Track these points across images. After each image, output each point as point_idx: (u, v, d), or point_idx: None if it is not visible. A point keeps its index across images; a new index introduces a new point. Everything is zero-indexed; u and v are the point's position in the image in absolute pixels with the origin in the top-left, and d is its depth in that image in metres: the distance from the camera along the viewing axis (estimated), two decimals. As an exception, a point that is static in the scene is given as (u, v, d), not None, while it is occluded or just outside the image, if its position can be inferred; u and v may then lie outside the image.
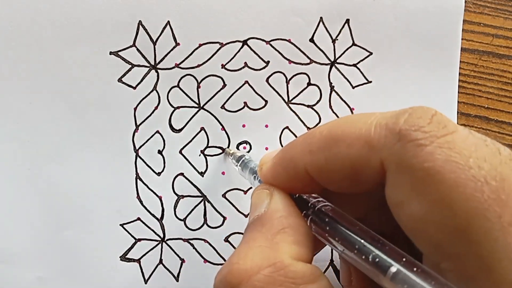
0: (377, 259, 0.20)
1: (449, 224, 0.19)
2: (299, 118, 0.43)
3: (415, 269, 0.19)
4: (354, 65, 0.42)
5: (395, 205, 0.21)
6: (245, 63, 0.42)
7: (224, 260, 0.42)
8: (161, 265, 0.42)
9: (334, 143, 0.22)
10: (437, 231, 0.19)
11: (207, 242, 0.42)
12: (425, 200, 0.19)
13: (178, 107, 0.42)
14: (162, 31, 0.41)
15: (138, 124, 0.42)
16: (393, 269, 0.19)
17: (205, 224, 0.42)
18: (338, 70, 0.42)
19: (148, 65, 0.42)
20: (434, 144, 0.19)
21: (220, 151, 0.42)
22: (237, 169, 0.38)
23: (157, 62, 0.42)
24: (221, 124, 0.42)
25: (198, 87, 0.42)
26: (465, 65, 0.43)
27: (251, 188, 0.42)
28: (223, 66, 0.42)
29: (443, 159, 0.19)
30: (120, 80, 0.41)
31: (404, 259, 0.19)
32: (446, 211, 0.19)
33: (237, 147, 0.42)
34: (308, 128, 0.43)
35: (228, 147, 0.42)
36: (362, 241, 0.21)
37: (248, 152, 0.42)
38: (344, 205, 0.25)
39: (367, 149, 0.21)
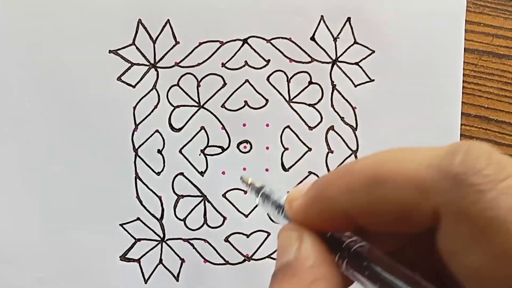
0: None
1: None
2: (300, 117, 0.42)
3: None
4: (356, 63, 0.42)
5: (449, 254, 0.20)
6: (246, 61, 0.42)
7: (224, 260, 0.42)
8: (161, 265, 0.42)
9: (379, 184, 0.21)
10: (500, 284, 0.18)
11: (207, 242, 0.42)
12: (487, 252, 0.18)
13: (178, 106, 0.42)
14: (162, 30, 0.41)
15: (137, 123, 0.41)
16: None
17: (205, 224, 0.42)
18: (340, 68, 0.42)
19: (147, 63, 0.41)
20: (496, 190, 0.18)
21: (220, 150, 0.42)
22: (256, 200, 0.37)
23: (156, 61, 0.41)
24: (221, 123, 0.42)
25: (198, 86, 0.42)
26: (465, 65, 0.43)
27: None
28: (223, 65, 0.42)
29: (507, 207, 0.17)
30: (119, 78, 0.41)
31: None
32: (510, 265, 0.17)
33: (238, 147, 0.42)
34: (309, 127, 0.43)
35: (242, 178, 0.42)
36: (405, 284, 0.20)
37: (249, 151, 0.42)
38: (377, 240, 0.24)
39: (418, 193, 0.19)
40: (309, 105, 0.43)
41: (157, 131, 0.42)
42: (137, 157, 0.42)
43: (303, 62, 0.42)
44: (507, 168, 0.18)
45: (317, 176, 0.43)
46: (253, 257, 0.42)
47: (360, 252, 0.23)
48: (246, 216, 0.42)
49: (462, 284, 0.20)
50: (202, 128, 0.42)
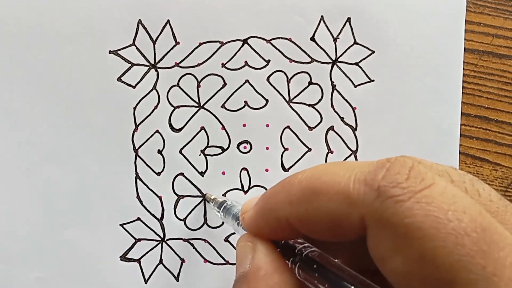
0: None
1: (434, 278, 0.19)
2: (300, 117, 0.42)
3: None
4: (356, 63, 0.42)
5: (378, 260, 0.21)
6: (246, 62, 0.42)
7: (224, 260, 0.42)
8: (161, 265, 0.42)
9: (314, 196, 0.22)
10: (422, 285, 0.19)
11: (207, 242, 0.42)
12: (407, 256, 0.19)
13: (178, 107, 0.42)
14: (162, 30, 0.41)
15: (137, 123, 0.41)
16: None
17: (205, 224, 0.42)
18: (340, 69, 0.42)
19: (147, 64, 0.41)
20: (412, 199, 0.19)
21: (220, 150, 0.42)
22: (219, 215, 0.38)
23: (157, 61, 0.41)
24: (222, 124, 0.42)
25: (198, 86, 0.42)
26: (465, 65, 0.43)
27: (251, 188, 0.42)
28: (223, 65, 0.42)
29: (422, 214, 0.19)
30: (119, 79, 0.41)
31: None
32: (429, 266, 0.19)
33: (238, 147, 0.42)
34: (309, 128, 0.43)
35: (206, 194, 0.43)
36: (352, 287, 0.21)
37: (249, 152, 0.42)
38: (327, 248, 0.25)
39: (346, 204, 0.21)
40: (309, 105, 0.43)
41: (157, 131, 0.42)
42: (137, 158, 0.42)
43: (303, 63, 0.42)
44: (425, 181, 0.20)
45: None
46: (253, 257, 0.42)
47: (311, 256, 0.24)
48: (246, 216, 0.42)
49: None
50: (202, 128, 0.42)
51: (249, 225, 0.27)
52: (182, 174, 0.42)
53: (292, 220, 0.24)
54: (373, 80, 0.42)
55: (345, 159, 0.43)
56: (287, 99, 0.42)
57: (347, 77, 0.43)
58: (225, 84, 0.42)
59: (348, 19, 0.42)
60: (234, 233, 0.42)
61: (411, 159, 0.21)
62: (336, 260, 0.23)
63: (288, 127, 0.42)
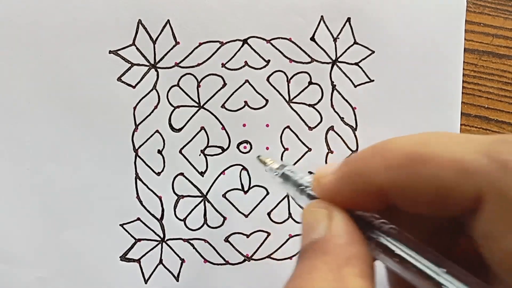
0: None
1: None
2: (300, 117, 0.42)
3: None
4: (356, 63, 0.42)
5: (486, 237, 0.20)
6: (246, 62, 0.42)
7: (224, 260, 0.42)
8: (161, 265, 0.42)
9: (421, 162, 0.21)
10: None
11: (207, 242, 0.42)
12: None
13: (178, 106, 0.42)
14: (162, 30, 0.41)
15: (137, 123, 0.41)
16: None
17: (205, 224, 0.42)
18: (340, 69, 0.42)
19: (147, 64, 0.41)
20: None
21: (220, 150, 0.42)
22: (277, 180, 0.35)
23: (156, 61, 0.41)
24: (221, 124, 0.42)
25: (198, 86, 0.42)
26: (465, 65, 0.43)
27: (251, 188, 0.42)
28: (223, 65, 0.42)
29: None
30: (119, 79, 0.41)
31: None
32: None
33: (238, 147, 0.42)
34: (309, 128, 0.43)
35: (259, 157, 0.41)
36: (444, 271, 0.19)
37: (249, 151, 0.42)
38: (403, 225, 0.24)
39: (463, 175, 0.20)
40: (309, 105, 0.43)
41: (157, 131, 0.42)
42: (137, 158, 0.42)
43: (303, 63, 0.42)
44: None
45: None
46: (253, 257, 0.42)
47: (391, 233, 0.22)
48: (246, 216, 0.42)
49: (493, 270, 0.20)
50: (202, 128, 0.42)
51: (327, 190, 0.25)
52: (182, 174, 0.42)
53: (388, 187, 0.22)
54: (373, 80, 0.42)
55: (345, 159, 0.43)
56: (287, 99, 0.42)
57: (347, 77, 0.43)
58: (225, 84, 0.42)
59: (348, 19, 0.42)
60: (234, 233, 0.42)
61: None
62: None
63: (288, 127, 0.42)
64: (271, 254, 0.43)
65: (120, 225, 0.41)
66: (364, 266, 0.22)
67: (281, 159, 0.42)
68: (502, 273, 0.20)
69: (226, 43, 0.42)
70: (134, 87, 0.41)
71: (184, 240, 0.42)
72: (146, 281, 0.42)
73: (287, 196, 0.43)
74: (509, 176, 0.19)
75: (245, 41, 0.42)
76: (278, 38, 0.42)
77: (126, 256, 0.42)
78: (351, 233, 0.23)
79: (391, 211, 0.24)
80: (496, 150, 0.19)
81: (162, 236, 0.42)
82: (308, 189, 0.28)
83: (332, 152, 0.43)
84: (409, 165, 0.21)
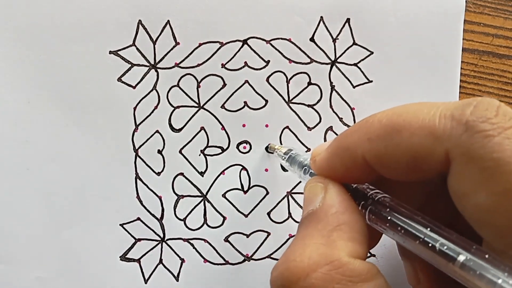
0: (445, 247, 0.20)
1: None
2: (299, 117, 0.43)
3: (486, 256, 0.19)
4: (355, 64, 0.42)
5: (459, 196, 0.21)
6: (245, 62, 0.42)
7: (224, 260, 0.42)
8: (161, 265, 0.42)
9: (395, 132, 0.23)
10: (506, 220, 0.20)
11: (207, 242, 0.42)
12: (493, 191, 0.20)
13: (178, 107, 0.42)
14: (162, 31, 0.41)
15: (137, 123, 0.42)
16: (462, 257, 0.19)
17: (205, 224, 0.42)
18: (339, 69, 0.42)
19: (147, 64, 0.41)
20: (502, 135, 0.19)
21: (220, 150, 0.42)
22: (284, 164, 0.38)
23: (157, 62, 0.42)
24: (221, 124, 0.42)
25: (198, 86, 0.42)
26: (465, 65, 0.43)
27: (251, 188, 0.42)
28: (223, 66, 0.42)
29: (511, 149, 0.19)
30: (119, 79, 0.41)
31: (474, 247, 0.19)
32: None
33: (237, 147, 0.42)
34: (308, 128, 0.43)
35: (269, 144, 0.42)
36: (428, 230, 0.21)
37: (248, 152, 0.42)
38: (398, 195, 0.25)
39: (431, 139, 0.21)
40: (308, 105, 0.43)
41: (157, 131, 0.42)
42: (137, 158, 0.42)
43: (303, 63, 0.42)
44: None
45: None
46: (253, 257, 0.42)
47: (383, 201, 0.24)
48: (246, 216, 0.43)
49: (476, 228, 0.21)
50: (202, 128, 0.42)
51: (321, 166, 0.27)
52: (182, 174, 0.42)
53: (370, 157, 0.24)
54: (371, 81, 0.43)
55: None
56: (287, 100, 0.42)
57: (346, 77, 0.43)
58: (225, 85, 0.42)
59: (348, 20, 0.42)
60: (234, 233, 0.42)
61: (495, 99, 0.21)
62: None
63: (287, 127, 0.43)
64: (271, 254, 0.43)
65: (120, 225, 0.42)
66: (355, 232, 0.24)
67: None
68: (478, 229, 0.21)
69: (226, 43, 0.42)
70: (134, 87, 0.41)
71: (184, 240, 0.42)
72: (146, 281, 0.42)
73: (287, 196, 0.43)
74: (472, 136, 0.20)
75: (245, 42, 0.42)
76: (278, 38, 0.42)
77: (126, 256, 0.42)
78: (344, 202, 0.25)
79: (387, 182, 0.26)
80: (460, 113, 0.21)
81: (162, 236, 0.42)
82: (310, 169, 0.31)
83: (331, 152, 0.43)
84: (385, 135, 0.23)
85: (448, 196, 0.22)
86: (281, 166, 0.42)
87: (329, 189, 0.25)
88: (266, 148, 0.42)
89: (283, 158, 0.38)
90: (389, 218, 0.23)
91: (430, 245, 0.20)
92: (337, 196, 0.25)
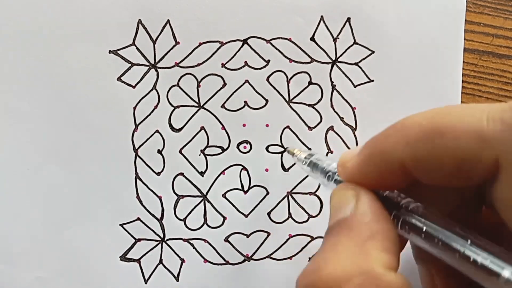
0: (488, 261, 0.19)
1: None
2: (300, 117, 0.42)
3: None
4: (356, 63, 0.42)
5: (506, 203, 0.20)
6: (246, 62, 0.42)
7: (224, 260, 0.42)
8: (161, 265, 0.42)
9: (438, 135, 0.21)
10: None
11: (207, 242, 0.42)
12: None
13: (178, 106, 0.42)
14: (162, 30, 0.41)
15: (137, 123, 0.41)
16: (507, 272, 0.18)
17: (205, 224, 0.42)
18: (340, 69, 0.42)
19: (147, 64, 0.41)
20: None
21: (220, 150, 0.42)
22: (305, 169, 0.36)
23: (156, 61, 0.41)
24: (221, 124, 0.42)
25: (198, 86, 0.42)
26: (465, 65, 0.43)
27: (251, 188, 0.42)
28: (223, 65, 0.42)
29: None
30: (119, 79, 0.41)
31: None
32: None
33: (238, 147, 0.42)
34: (309, 128, 0.43)
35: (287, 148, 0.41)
36: (468, 242, 0.20)
37: (249, 151, 0.42)
38: (429, 200, 0.24)
39: (480, 143, 0.20)
40: (309, 105, 0.43)
41: (157, 131, 0.42)
42: (137, 157, 0.42)
43: (303, 63, 0.42)
44: None
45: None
46: (253, 257, 0.42)
47: (416, 210, 0.23)
48: (246, 216, 0.42)
49: None
50: (202, 128, 0.42)
51: (353, 173, 0.25)
52: (182, 174, 0.42)
53: (410, 163, 0.22)
54: (372, 80, 0.42)
55: (345, 159, 0.43)
56: (287, 99, 0.42)
57: (347, 77, 0.43)
58: (225, 84, 0.42)
59: (348, 19, 0.42)
60: (234, 233, 0.42)
61: None
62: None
63: (288, 127, 0.42)
64: (271, 254, 0.43)
65: (120, 225, 0.41)
66: (388, 242, 0.22)
67: (281, 159, 0.42)
68: None
69: (226, 43, 0.42)
70: (134, 87, 0.41)
71: (184, 240, 0.42)
72: (146, 281, 0.42)
73: (287, 196, 0.43)
74: None
75: (245, 41, 0.42)
76: (278, 38, 0.42)
77: (126, 256, 0.42)
78: (377, 211, 0.23)
79: (416, 187, 0.24)
80: (510, 116, 0.19)
81: (162, 236, 0.42)
82: (335, 175, 0.29)
83: (331, 152, 0.43)
84: (427, 138, 0.22)
85: (478, 204, 0.22)
86: (281, 166, 0.42)
87: (362, 197, 0.24)
88: (284, 151, 0.42)
89: (304, 163, 0.36)
90: (424, 229, 0.22)
91: (471, 259, 0.19)
92: (370, 204, 0.24)
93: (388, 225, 0.23)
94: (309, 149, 0.43)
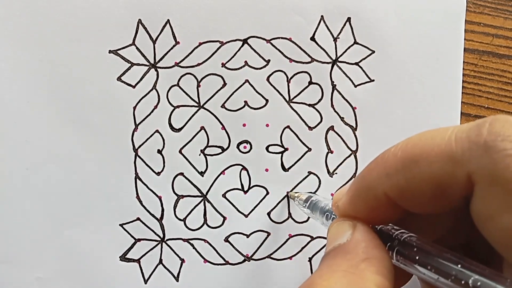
0: (479, 283, 0.19)
1: None
2: (300, 117, 0.42)
3: None
4: (356, 63, 0.42)
5: (484, 219, 0.21)
6: (246, 61, 0.42)
7: (224, 260, 0.42)
8: (161, 265, 0.42)
9: (413, 163, 0.22)
10: None
11: (207, 242, 0.42)
12: None
13: (178, 106, 0.42)
14: (162, 30, 0.41)
15: (137, 123, 0.41)
16: None
17: (205, 224, 0.42)
18: (340, 68, 0.42)
19: (147, 63, 0.41)
20: None
21: (220, 150, 0.42)
22: (306, 211, 0.38)
23: (156, 61, 0.41)
24: (221, 124, 0.42)
25: (198, 86, 0.42)
26: (465, 65, 0.43)
27: (251, 188, 0.42)
28: (223, 65, 0.42)
29: None
30: (119, 78, 0.41)
31: (508, 280, 0.19)
32: None
33: (238, 147, 0.42)
34: (309, 127, 0.43)
35: (291, 191, 0.43)
36: (459, 266, 0.20)
37: (249, 151, 0.42)
38: (424, 229, 0.25)
39: (451, 164, 0.21)
40: (309, 105, 0.43)
41: (157, 131, 0.42)
42: (137, 157, 0.42)
43: (303, 62, 0.42)
44: None
45: (317, 176, 0.43)
46: (253, 257, 0.42)
47: (409, 241, 0.24)
48: (246, 216, 0.42)
49: (501, 251, 0.21)
50: (202, 128, 0.42)
51: (345, 210, 0.26)
52: (182, 174, 0.42)
53: (392, 193, 0.23)
54: (373, 80, 0.42)
55: (345, 159, 0.43)
56: (287, 99, 0.42)
57: (347, 77, 0.43)
58: (225, 84, 0.42)
59: (348, 19, 0.42)
60: (234, 233, 0.42)
61: (509, 116, 0.21)
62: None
63: (288, 127, 0.42)
64: (271, 254, 0.43)
65: (120, 225, 0.41)
66: (383, 268, 0.23)
67: (281, 159, 0.42)
68: (503, 252, 0.21)
69: (226, 43, 0.42)
70: (134, 87, 0.41)
71: (184, 240, 0.42)
72: (146, 281, 0.42)
73: (287, 196, 0.43)
74: (493, 157, 0.19)
75: (245, 41, 0.42)
76: (278, 38, 0.42)
77: (126, 256, 0.42)
78: (372, 240, 0.24)
79: (410, 218, 0.25)
80: (476, 134, 0.20)
81: (162, 236, 0.42)
82: (333, 214, 0.31)
83: (332, 152, 0.43)
84: (404, 168, 0.22)
85: (470, 221, 0.22)
86: (282, 166, 0.42)
87: (358, 226, 0.25)
88: (287, 196, 0.42)
89: (304, 206, 0.37)
90: (417, 258, 0.22)
91: (463, 282, 0.20)
92: (366, 233, 0.24)
93: (383, 253, 0.24)
94: (309, 149, 0.43)
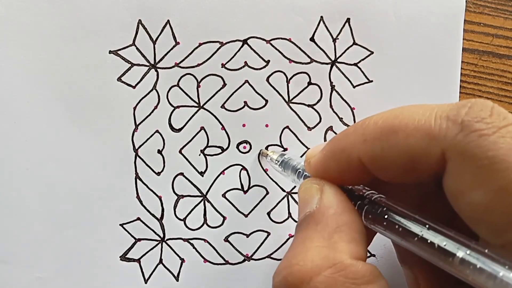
0: (444, 243, 0.20)
1: None
2: (299, 117, 0.43)
3: (486, 251, 0.19)
4: (355, 64, 0.42)
5: (455, 195, 0.22)
6: (245, 62, 0.42)
7: (224, 260, 0.42)
8: (161, 265, 0.42)
9: (391, 133, 0.23)
10: (502, 217, 0.20)
11: (207, 242, 0.42)
12: (488, 188, 0.20)
13: (178, 107, 0.42)
14: (162, 30, 0.41)
15: (137, 123, 0.42)
16: (462, 253, 0.19)
17: (205, 224, 0.42)
18: (339, 69, 0.42)
19: (147, 64, 0.41)
20: (497, 134, 0.20)
21: (220, 150, 0.42)
22: (278, 169, 0.38)
23: (156, 61, 0.42)
24: (221, 124, 0.42)
25: (198, 86, 0.42)
26: (465, 65, 0.43)
27: (251, 188, 0.42)
28: (223, 65, 0.42)
29: (506, 148, 0.20)
30: (119, 79, 0.41)
31: (473, 243, 0.19)
32: (511, 197, 0.19)
33: (237, 147, 0.42)
34: (308, 128, 0.43)
35: (266, 148, 0.43)
36: (426, 227, 0.21)
37: (248, 151, 0.42)
38: (393, 197, 0.25)
39: (427, 139, 0.22)
40: (308, 105, 0.43)
41: (157, 131, 0.42)
42: (137, 157, 0.42)
43: (303, 63, 0.42)
44: (507, 118, 0.21)
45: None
46: (253, 257, 0.42)
47: (379, 201, 0.24)
48: (246, 216, 0.43)
49: (472, 226, 0.22)
50: (202, 128, 0.42)
51: (316, 168, 0.27)
52: (182, 174, 0.42)
53: (366, 159, 0.24)
54: (371, 81, 0.43)
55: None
56: (287, 99, 0.42)
57: (346, 77, 0.43)
58: (225, 84, 0.42)
59: (348, 20, 0.42)
60: (234, 233, 0.42)
61: (489, 100, 0.22)
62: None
63: (287, 127, 0.43)
64: (271, 254, 0.43)
65: (120, 225, 0.42)
66: (354, 233, 0.24)
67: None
68: (474, 227, 0.22)
69: (226, 43, 0.42)
70: (134, 87, 0.41)
71: (184, 240, 0.42)
72: (146, 281, 0.42)
73: (287, 196, 0.43)
74: (468, 136, 0.20)
75: (245, 42, 0.42)
76: (278, 38, 0.42)
77: (126, 256, 0.42)
78: (341, 203, 0.25)
79: (381, 184, 0.26)
80: (455, 114, 0.21)
81: (162, 236, 0.42)
82: (304, 172, 0.31)
83: (331, 152, 0.43)
84: (382, 137, 0.23)
85: (443, 197, 0.23)
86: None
87: (325, 190, 0.25)
88: (259, 155, 0.42)
89: (276, 163, 0.38)
90: (386, 217, 0.23)
91: (429, 241, 0.21)
92: (334, 197, 0.25)
93: (353, 216, 0.24)
94: (308, 149, 0.43)
